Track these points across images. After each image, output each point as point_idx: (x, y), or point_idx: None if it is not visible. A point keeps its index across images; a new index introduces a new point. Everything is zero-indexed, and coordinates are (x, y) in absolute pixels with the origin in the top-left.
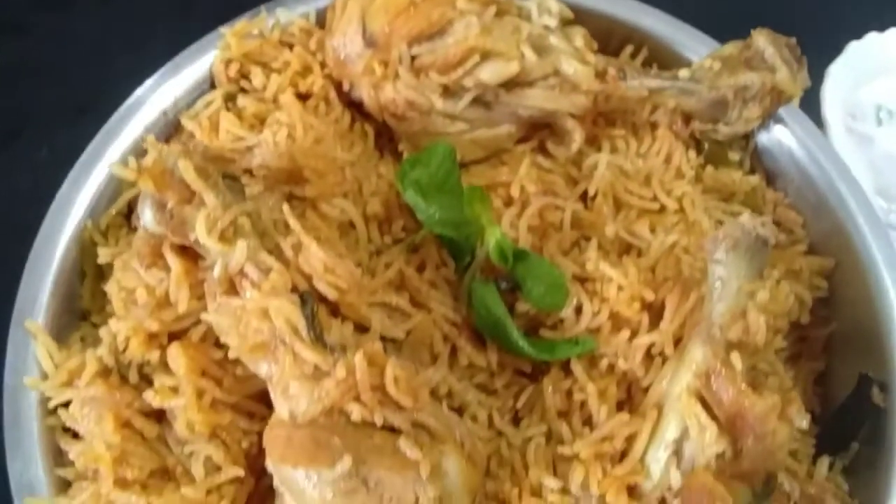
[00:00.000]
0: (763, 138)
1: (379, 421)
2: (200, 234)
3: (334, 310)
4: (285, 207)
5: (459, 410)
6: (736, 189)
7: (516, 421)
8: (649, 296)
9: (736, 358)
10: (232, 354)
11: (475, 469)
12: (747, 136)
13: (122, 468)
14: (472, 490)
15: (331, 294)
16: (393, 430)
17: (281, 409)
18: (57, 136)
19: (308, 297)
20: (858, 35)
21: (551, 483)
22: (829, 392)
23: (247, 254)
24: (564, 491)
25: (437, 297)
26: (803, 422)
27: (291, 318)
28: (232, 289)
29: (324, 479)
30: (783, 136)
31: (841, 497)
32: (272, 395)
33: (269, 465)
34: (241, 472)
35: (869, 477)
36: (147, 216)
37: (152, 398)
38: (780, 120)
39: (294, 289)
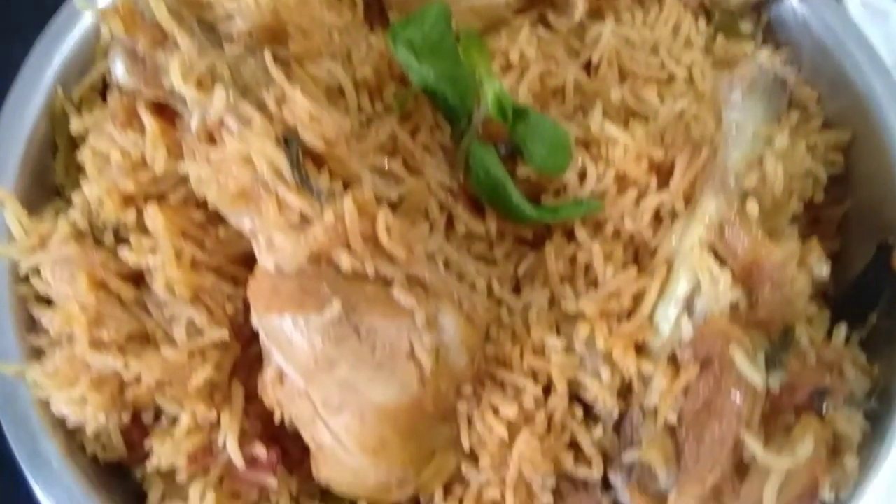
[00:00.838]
0: (776, 10)
1: (371, 271)
2: (175, 80)
3: (321, 166)
4: (267, 57)
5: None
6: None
7: (517, 290)
8: (658, 154)
9: (752, 205)
10: (211, 206)
11: (474, 329)
12: (759, 7)
13: (97, 330)
14: (470, 348)
15: (317, 145)
16: (386, 283)
17: (266, 262)
18: None
19: (292, 140)
20: None
21: (554, 342)
22: (842, 273)
23: (226, 102)
24: (569, 350)
25: (432, 163)
26: (823, 269)
27: (275, 161)
28: (212, 141)
29: (312, 326)
30: (798, 7)
31: (860, 365)
32: (256, 252)
33: (255, 318)
34: (225, 334)
35: (887, 352)
36: (118, 68)
37: (128, 255)
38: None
39: (277, 139)
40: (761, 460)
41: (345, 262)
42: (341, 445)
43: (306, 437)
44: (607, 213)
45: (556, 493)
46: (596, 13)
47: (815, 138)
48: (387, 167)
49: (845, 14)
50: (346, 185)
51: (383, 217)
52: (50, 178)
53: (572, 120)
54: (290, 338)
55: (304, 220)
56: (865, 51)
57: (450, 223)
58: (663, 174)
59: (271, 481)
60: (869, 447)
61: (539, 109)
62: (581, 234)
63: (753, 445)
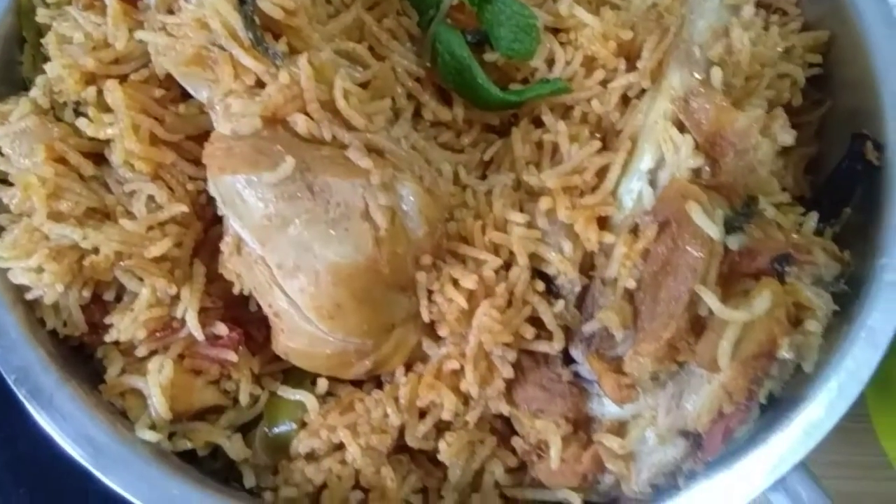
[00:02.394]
0: None
1: (327, 136)
2: None
3: (279, 37)
4: None
5: None
6: None
7: (484, 178)
8: (626, 36)
9: (716, 73)
10: (168, 70)
11: (434, 201)
12: None
13: (55, 202)
14: (430, 219)
15: (275, 13)
16: (343, 147)
17: (223, 130)
18: None
19: (248, 0)
20: None
21: (517, 217)
22: (820, 178)
23: None
24: (531, 225)
25: (400, 49)
26: (787, 137)
27: (229, 19)
28: (171, 12)
29: (265, 184)
30: None
31: (830, 251)
32: (214, 120)
33: (210, 184)
34: (184, 209)
35: (860, 244)
36: None
37: (86, 126)
38: None
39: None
40: (717, 313)
41: (301, 125)
42: (297, 311)
43: (264, 306)
44: (575, 96)
45: (517, 367)
46: None
47: (794, 40)
48: (352, 49)
49: None
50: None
51: (340, 82)
52: (18, 73)
53: (542, 7)
54: (244, 197)
55: (260, 84)
56: None
57: (417, 112)
58: (632, 58)
59: (231, 356)
60: (838, 328)
61: None
62: (548, 118)
63: (709, 299)
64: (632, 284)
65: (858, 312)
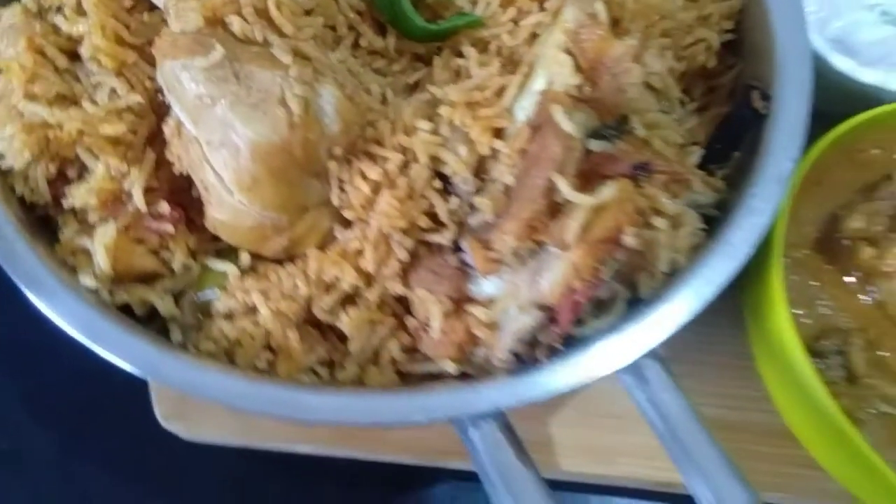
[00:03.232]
0: None
1: (259, 37)
2: None
3: None
4: None
5: None
6: None
7: None
8: None
9: (599, 7)
10: None
11: (354, 107)
12: None
13: (31, 85)
14: (346, 120)
15: None
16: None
17: (173, 27)
18: None
19: None
20: None
21: (423, 125)
22: None
23: None
24: (435, 132)
25: None
26: (656, 63)
27: None
28: None
29: (197, 68)
30: None
31: (711, 184)
32: (168, 20)
33: (157, 72)
34: (140, 100)
35: (739, 179)
36: None
37: (62, 22)
38: None
39: None
40: (566, 196)
41: (236, 25)
42: (222, 184)
43: (197, 182)
44: (491, 32)
45: (414, 254)
46: None
47: (711, 8)
48: None
49: None
50: None
51: None
52: None
53: None
54: (181, 80)
55: None
56: None
57: (357, 42)
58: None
59: (169, 228)
60: (705, 245)
61: None
62: (466, 48)
63: (561, 184)
64: (510, 180)
65: (723, 231)
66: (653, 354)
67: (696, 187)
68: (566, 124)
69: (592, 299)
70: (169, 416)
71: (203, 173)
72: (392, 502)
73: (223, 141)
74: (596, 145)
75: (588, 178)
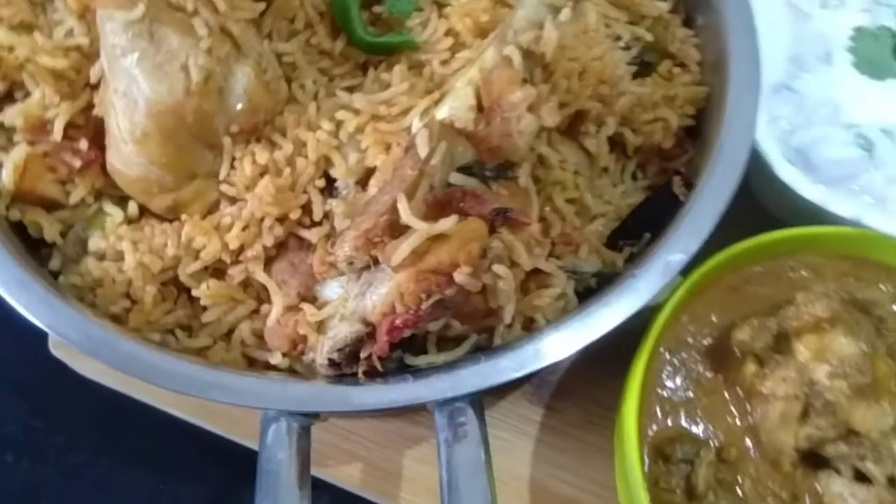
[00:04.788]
0: None
1: (190, 6)
2: None
3: None
4: None
5: (288, 80)
6: (645, 12)
7: None
8: (483, 18)
9: (511, 52)
10: None
11: (265, 91)
12: None
13: (2, 9)
14: (253, 102)
15: None
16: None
17: None
18: None
19: None
20: None
21: (325, 124)
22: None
23: None
24: (333, 134)
25: None
26: (549, 119)
27: None
28: None
29: (119, 20)
30: None
31: (607, 257)
32: None
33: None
34: (87, 41)
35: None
36: None
37: None
38: None
39: None
40: (403, 217)
41: None
42: (119, 131)
43: (106, 124)
44: (428, 56)
45: (282, 244)
46: None
47: (678, 90)
48: None
49: (749, 9)
50: None
51: None
52: None
53: None
54: (106, 29)
55: None
56: (749, 46)
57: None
58: (486, 37)
59: (76, 162)
60: (566, 312)
61: None
62: (399, 66)
63: (402, 206)
64: (373, 191)
65: (592, 304)
66: (472, 401)
67: (582, 254)
68: (423, 148)
69: (417, 327)
70: (58, 344)
71: (108, 118)
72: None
73: (126, 91)
74: (457, 179)
75: (442, 209)
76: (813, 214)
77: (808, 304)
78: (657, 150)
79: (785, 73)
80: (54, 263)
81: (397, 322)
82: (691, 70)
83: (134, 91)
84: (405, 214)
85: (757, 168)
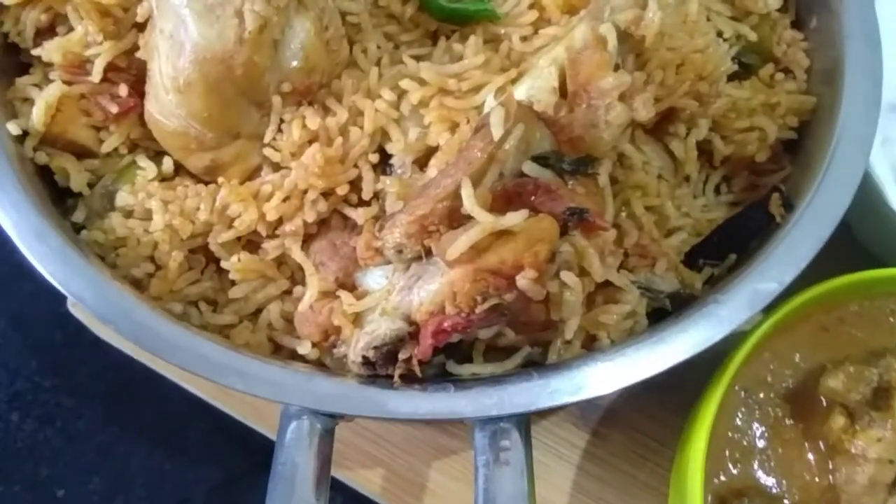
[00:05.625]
0: None
1: None
2: None
3: None
4: None
5: (351, 43)
6: (751, 8)
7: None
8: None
9: (606, 30)
10: None
11: (322, 48)
12: None
13: None
14: (310, 60)
15: None
16: None
17: None
18: None
19: None
20: None
21: (386, 94)
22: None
23: None
24: (394, 105)
25: None
26: (642, 111)
27: None
28: None
29: None
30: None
31: (679, 269)
32: None
33: None
34: None
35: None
36: None
37: None
38: None
39: None
40: (466, 206)
41: None
42: (161, 77)
43: (148, 69)
44: (508, 30)
45: (324, 222)
46: None
47: (781, 98)
48: None
49: (873, 13)
50: None
51: None
52: None
53: None
54: None
55: None
56: (869, 57)
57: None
58: (575, 13)
59: (113, 107)
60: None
61: None
62: (475, 38)
63: (465, 191)
64: (433, 173)
65: (668, 328)
66: (518, 422)
67: (659, 270)
68: (497, 129)
69: (466, 332)
70: (76, 303)
71: (151, 61)
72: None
73: (173, 33)
74: (531, 169)
75: (511, 202)
76: None
77: None
78: (748, 162)
79: None
80: (78, 216)
81: (445, 325)
82: (797, 77)
83: (181, 34)
84: (468, 202)
85: (864, 195)
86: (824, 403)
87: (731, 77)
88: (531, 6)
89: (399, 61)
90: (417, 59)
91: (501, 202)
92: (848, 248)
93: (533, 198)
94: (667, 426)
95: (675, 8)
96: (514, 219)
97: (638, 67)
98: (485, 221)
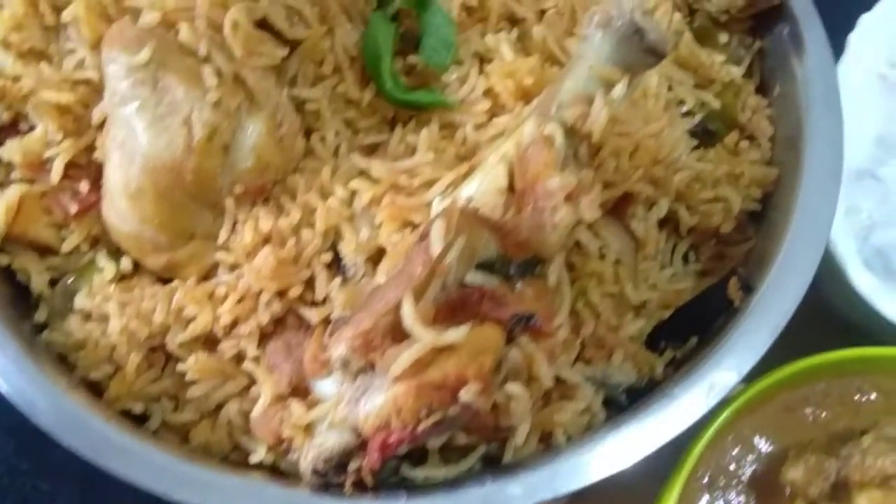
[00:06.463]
0: (773, 54)
1: (202, 51)
2: None
3: None
4: None
5: (310, 132)
6: (714, 76)
7: None
8: (527, 80)
9: (552, 129)
10: None
11: (276, 147)
12: (754, 37)
13: (12, 33)
14: (262, 160)
15: None
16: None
17: (131, 3)
18: None
19: None
20: None
21: (338, 191)
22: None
23: None
24: (346, 203)
25: (345, 24)
26: (588, 213)
27: None
28: None
29: (122, 63)
30: (793, 57)
31: (637, 358)
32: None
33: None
34: (97, 76)
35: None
36: None
37: None
38: (797, 41)
39: None
40: (406, 323)
41: (182, 32)
42: (113, 182)
43: (104, 172)
44: (462, 118)
45: (280, 321)
46: None
47: (745, 168)
48: (298, 7)
49: (834, 78)
50: None
51: (234, 13)
52: None
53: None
54: (108, 71)
55: None
56: (830, 118)
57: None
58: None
59: (73, 207)
60: (595, 425)
61: (471, 24)
62: (430, 127)
63: (406, 310)
64: (382, 278)
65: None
66: None
67: (616, 361)
68: (436, 244)
69: (413, 444)
70: None
71: (106, 166)
72: None
73: (124, 142)
74: (475, 278)
75: (455, 312)
76: (891, 329)
77: (876, 457)
78: (714, 233)
79: (870, 157)
80: (40, 315)
81: (391, 439)
82: (761, 145)
83: (131, 142)
84: (408, 320)
85: (829, 270)
86: (787, 491)
87: (698, 144)
88: (485, 93)
89: (357, 148)
90: (374, 147)
91: (446, 313)
92: (816, 308)
93: (478, 307)
94: None
95: (630, 92)
96: (455, 335)
97: (591, 154)
98: (424, 339)
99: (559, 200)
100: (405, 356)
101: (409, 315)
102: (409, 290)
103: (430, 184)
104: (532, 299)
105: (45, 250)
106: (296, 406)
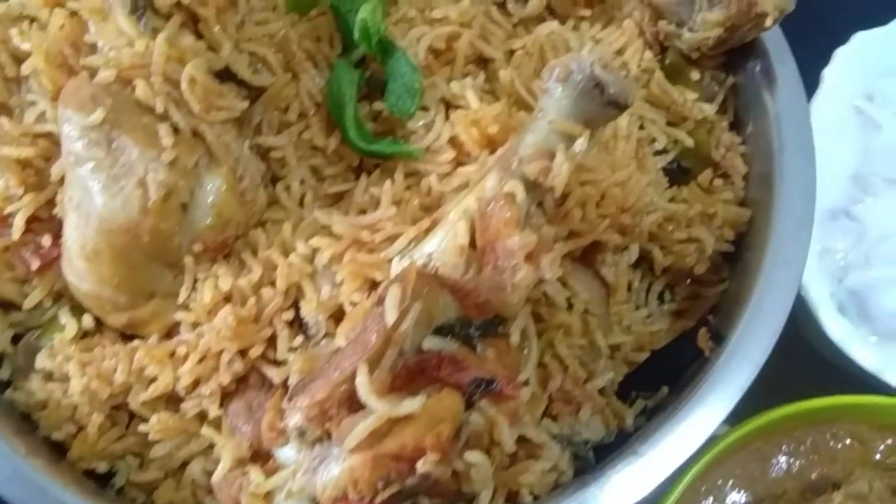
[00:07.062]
0: (746, 90)
1: (159, 108)
2: None
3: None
4: None
5: (276, 179)
6: (687, 114)
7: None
8: (492, 129)
9: (513, 186)
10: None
11: (237, 203)
12: (727, 73)
13: None
14: (223, 217)
15: None
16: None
17: (87, 62)
18: None
19: None
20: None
21: (300, 247)
22: None
23: None
24: (308, 259)
25: (310, 71)
26: (548, 272)
27: None
28: None
29: (77, 123)
30: (766, 94)
31: (617, 415)
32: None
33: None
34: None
35: (659, 421)
36: None
37: (16, 34)
38: (770, 77)
39: None
40: (361, 394)
41: (138, 90)
42: (71, 242)
43: (63, 229)
44: (426, 167)
45: (243, 379)
46: (561, 16)
47: (718, 208)
48: (262, 54)
49: (806, 116)
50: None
51: (193, 68)
52: None
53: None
54: (64, 130)
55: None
56: (803, 158)
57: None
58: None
59: (34, 262)
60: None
61: (435, 62)
62: (396, 180)
63: (360, 381)
64: (342, 343)
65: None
66: None
67: (584, 416)
68: (391, 313)
69: None
70: None
71: (64, 225)
72: None
73: (79, 202)
74: (434, 344)
75: (413, 379)
76: (866, 374)
77: None
78: (689, 273)
79: (845, 195)
80: (4, 373)
81: None
82: (735, 184)
83: (87, 203)
84: (363, 391)
85: (803, 314)
86: None
87: (672, 182)
88: (450, 141)
89: (322, 197)
90: (339, 196)
91: (404, 380)
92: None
93: (437, 372)
94: None
95: (593, 145)
96: (411, 405)
97: (557, 204)
98: (375, 408)
99: (520, 260)
100: (360, 427)
101: (364, 386)
102: (364, 360)
103: (392, 239)
104: (494, 361)
105: (7, 306)
106: (255, 473)
